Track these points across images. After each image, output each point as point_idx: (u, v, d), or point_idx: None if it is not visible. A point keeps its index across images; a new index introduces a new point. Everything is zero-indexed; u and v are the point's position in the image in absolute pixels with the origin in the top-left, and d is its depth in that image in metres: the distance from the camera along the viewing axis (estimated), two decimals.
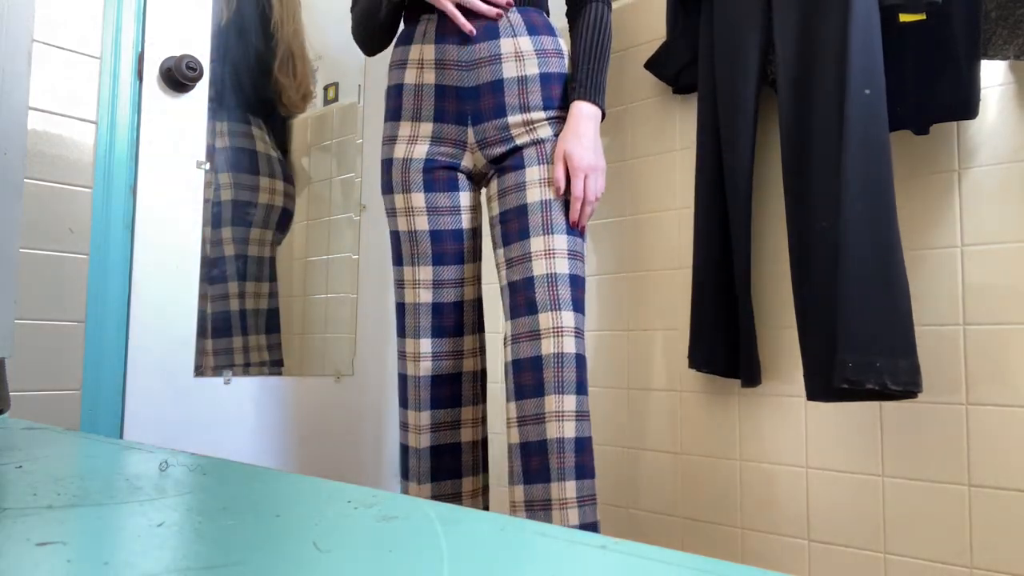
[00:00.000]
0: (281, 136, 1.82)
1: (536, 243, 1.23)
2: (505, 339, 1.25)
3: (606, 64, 1.31)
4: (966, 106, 1.15)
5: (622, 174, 1.66)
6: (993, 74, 1.20)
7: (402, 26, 1.40)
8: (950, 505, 1.19)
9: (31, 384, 1.29)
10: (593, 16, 1.33)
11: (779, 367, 1.39)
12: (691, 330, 1.41)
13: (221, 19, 1.65)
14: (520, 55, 1.28)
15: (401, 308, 1.34)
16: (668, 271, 1.55)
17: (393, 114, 1.34)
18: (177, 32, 1.51)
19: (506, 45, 1.28)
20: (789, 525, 1.36)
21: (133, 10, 1.45)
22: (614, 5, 1.68)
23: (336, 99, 1.90)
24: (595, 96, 1.28)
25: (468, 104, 1.28)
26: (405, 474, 1.33)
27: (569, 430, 1.16)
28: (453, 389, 1.32)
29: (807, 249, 1.21)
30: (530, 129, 1.28)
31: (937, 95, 1.17)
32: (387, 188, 1.34)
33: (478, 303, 1.36)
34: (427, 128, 1.31)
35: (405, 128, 1.32)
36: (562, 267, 1.22)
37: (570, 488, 1.15)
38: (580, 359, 1.20)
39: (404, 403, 1.34)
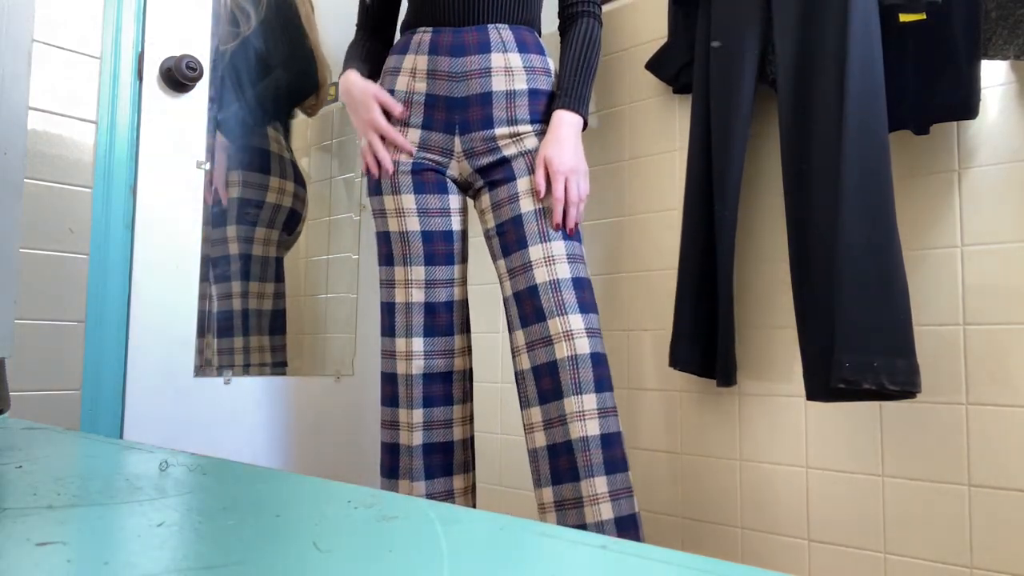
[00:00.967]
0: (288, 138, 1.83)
1: (535, 251, 1.26)
2: (517, 348, 1.27)
3: (591, 77, 1.35)
4: (966, 106, 1.15)
5: (622, 174, 1.66)
6: (993, 74, 1.20)
7: (398, 36, 1.44)
8: (950, 505, 1.19)
9: (31, 384, 1.29)
10: (583, 30, 1.37)
11: (778, 367, 1.39)
12: (673, 329, 1.42)
13: (252, 18, 1.67)
14: (509, 70, 1.32)
15: (391, 307, 1.35)
16: (668, 271, 1.55)
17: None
18: (177, 32, 1.51)
19: (496, 60, 1.32)
20: (789, 525, 1.36)
21: (133, 10, 1.45)
22: (615, 5, 1.68)
23: (336, 99, 1.90)
24: (578, 106, 1.31)
25: (456, 114, 1.32)
26: (393, 473, 1.34)
27: (592, 428, 1.19)
28: (444, 388, 1.34)
29: (806, 249, 1.22)
30: (516, 140, 1.31)
31: (937, 95, 1.17)
32: (375, 190, 1.36)
33: (466, 304, 1.39)
34: (415, 134, 1.34)
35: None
36: (563, 272, 1.24)
37: (600, 484, 1.18)
38: (596, 357, 1.22)
39: (392, 401, 1.35)
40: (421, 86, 1.33)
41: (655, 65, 1.55)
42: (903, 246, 1.25)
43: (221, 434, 1.56)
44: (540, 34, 1.41)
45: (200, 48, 1.55)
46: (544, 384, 1.22)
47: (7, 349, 0.91)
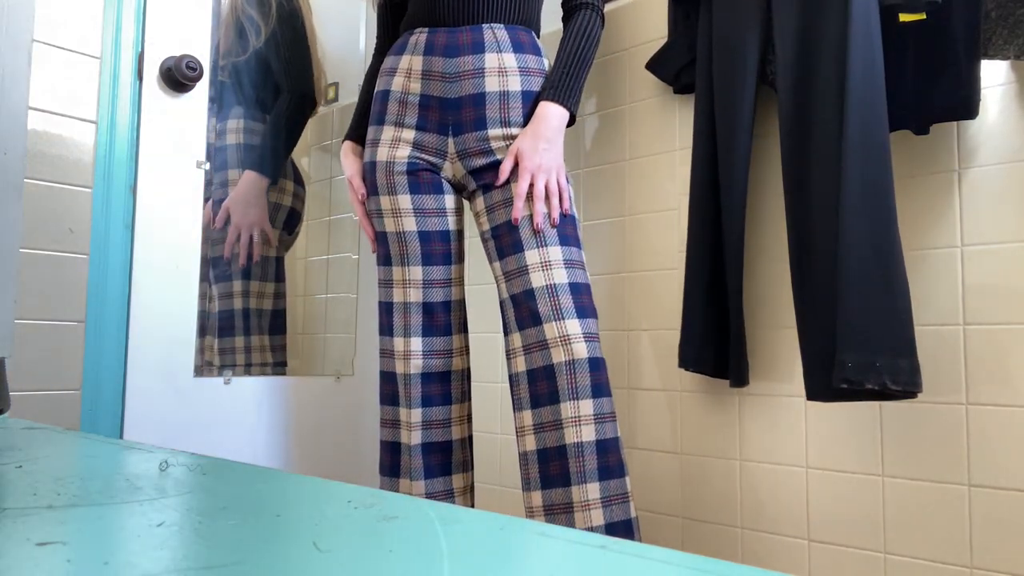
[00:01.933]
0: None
1: (531, 256, 1.25)
2: (513, 350, 1.26)
3: (583, 70, 1.32)
4: (966, 106, 1.15)
5: (622, 174, 1.66)
6: (993, 74, 1.20)
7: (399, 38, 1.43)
8: (950, 505, 1.19)
9: (31, 384, 1.29)
10: (579, 22, 1.35)
11: (779, 367, 1.39)
12: (682, 329, 1.42)
13: (262, 31, 1.68)
14: (504, 71, 1.31)
15: (388, 307, 1.35)
16: (668, 271, 1.55)
17: (378, 118, 1.38)
18: (177, 32, 1.51)
19: (490, 60, 1.31)
20: (789, 525, 1.36)
21: (133, 10, 1.45)
22: (615, 5, 1.68)
23: (336, 99, 1.90)
24: (566, 99, 1.29)
25: (450, 115, 1.31)
26: (393, 471, 1.34)
27: (588, 434, 1.17)
28: (443, 387, 1.34)
29: (807, 249, 1.21)
30: (510, 142, 1.30)
31: (937, 95, 1.17)
32: (372, 190, 1.37)
33: (463, 304, 1.39)
34: (409, 134, 1.34)
35: (388, 132, 1.35)
36: (560, 277, 1.23)
37: (593, 490, 1.16)
38: (594, 362, 1.20)
39: (392, 400, 1.35)
40: (416, 86, 1.33)
41: (655, 65, 1.55)
42: (903, 246, 1.25)
43: (221, 434, 1.56)
44: (539, 34, 1.41)
45: (200, 48, 1.55)
46: (539, 388, 1.22)
47: (7, 349, 0.91)
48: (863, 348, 1.11)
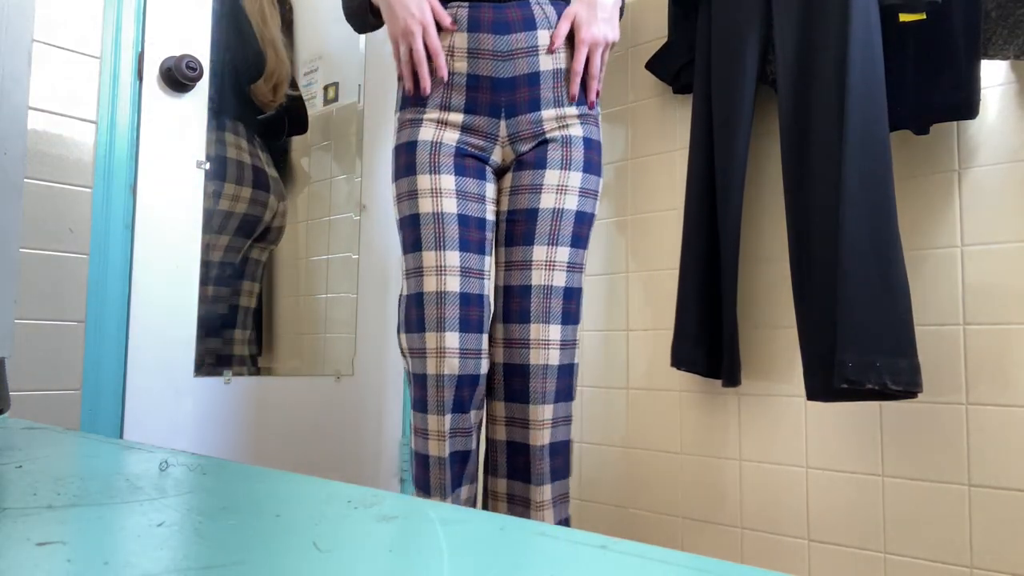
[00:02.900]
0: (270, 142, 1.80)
1: (539, 252, 1.23)
2: (494, 340, 1.26)
3: None
4: (966, 106, 1.15)
5: (623, 174, 1.66)
6: (993, 74, 1.20)
7: None
8: (950, 505, 1.19)
9: (31, 384, 1.29)
10: None
11: (779, 367, 1.39)
12: (675, 329, 1.42)
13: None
14: (556, 48, 1.25)
15: (419, 299, 1.20)
16: (668, 271, 1.55)
17: (416, 100, 1.26)
18: (177, 32, 1.51)
19: (543, 37, 1.24)
20: (789, 525, 1.36)
21: (133, 10, 1.45)
22: None
23: (336, 99, 1.90)
24: None
25: (503, 96, 1.23)
26: (424, 486, 1.22)
27: (549, 436, 1.24)
28: (471, 391, 1.22)
29: (806, 249, 1.21)
30: (562, 125, 1.25)
31: (937, 95, 1.17)
32: (408, 170, 1.24)
33: (489, 299, 1.31)
34: (457, 117, 1.24)
35: (432, 113, 1.25)
36: (559, 280, 1.23)
37: (547, 491, 1.24)
38: (565, 369, 1.24)
39: (422, 406, 1.22)
40: (461, 66, 1.23)
41: (655, 65, 1.55)
42: (903, 246, 1.25)
43: (221, 434, 1.56)
44: None
45: (200, 48, 1.55)
46: (514, 384, 1.24)
47: (7, 349, 0.91)
48: (863, 348, 1.11)
